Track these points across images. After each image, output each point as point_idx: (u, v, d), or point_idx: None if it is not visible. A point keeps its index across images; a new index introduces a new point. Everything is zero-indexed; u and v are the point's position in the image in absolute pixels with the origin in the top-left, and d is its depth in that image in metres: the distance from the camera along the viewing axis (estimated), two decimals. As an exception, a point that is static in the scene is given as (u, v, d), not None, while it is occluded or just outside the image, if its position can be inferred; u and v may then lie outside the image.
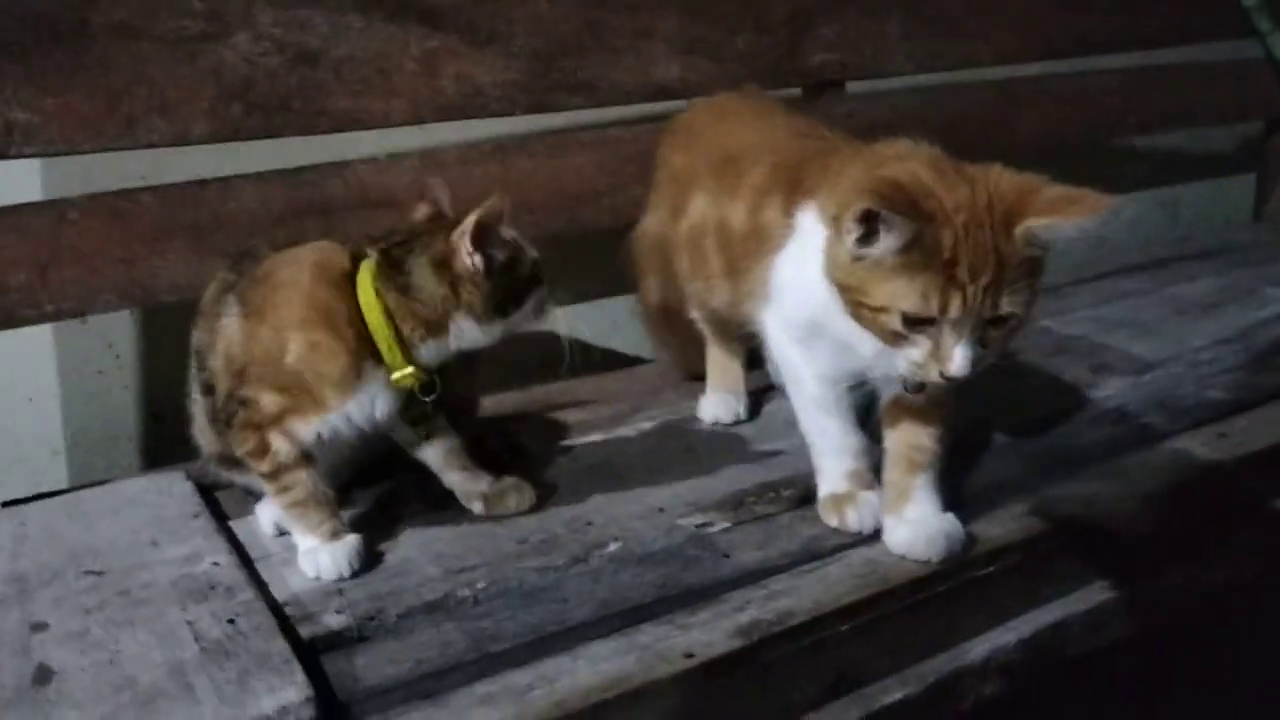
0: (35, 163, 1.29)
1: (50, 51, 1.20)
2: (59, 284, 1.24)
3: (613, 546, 1.09)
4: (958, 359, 0.89)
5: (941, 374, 0.90)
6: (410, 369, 1.07)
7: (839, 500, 1.11)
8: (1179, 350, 1.60)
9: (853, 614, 0.96)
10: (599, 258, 1.47)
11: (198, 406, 1.14)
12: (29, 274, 1.22)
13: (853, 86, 1.79)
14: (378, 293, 1.06)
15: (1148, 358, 1.58)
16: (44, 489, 1.24)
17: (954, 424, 1.31)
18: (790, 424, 1.21)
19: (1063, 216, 0.88)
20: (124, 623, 0.94)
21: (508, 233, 1.08)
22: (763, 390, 1.45)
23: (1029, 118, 1.97)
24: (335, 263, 1.08)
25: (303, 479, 1.05)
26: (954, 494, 1.16)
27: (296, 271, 1.08)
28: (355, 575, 1.04)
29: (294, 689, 0.83)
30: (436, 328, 1.07)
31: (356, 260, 1.09)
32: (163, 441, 1.49)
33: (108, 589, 1.00)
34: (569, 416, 1.47)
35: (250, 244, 1.15)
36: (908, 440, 1.06)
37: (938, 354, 0.90)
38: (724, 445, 1.35)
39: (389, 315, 1.06)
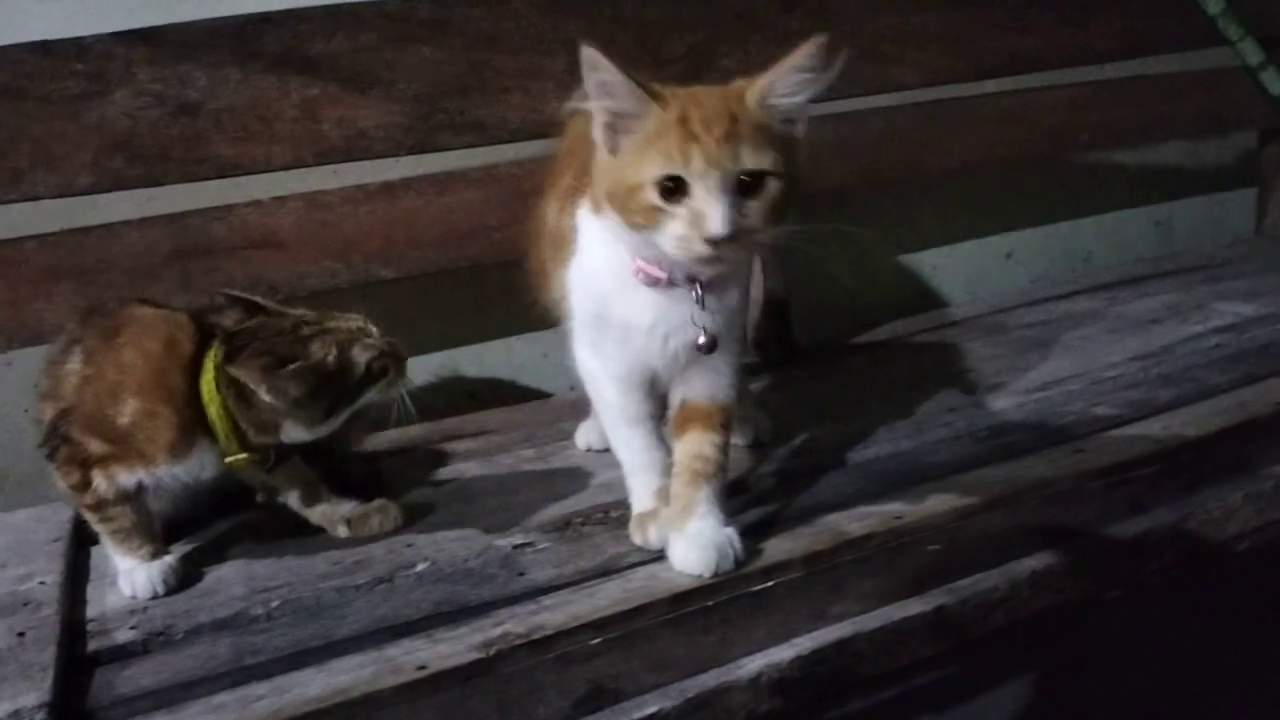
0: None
1: (-63, 112, 1.32)
2: (-51, 327, 1.34)
3: (420, 566, 1.13)
4: (714, 217, 0.91)
5: (704, 239, 0.92)
6: (243, 454, 1.13)
7: (644, 519, 1.12)
8: (1085, 368, 1.56)
9: (603, 628, 0.97)
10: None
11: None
12: (-78, 317, 1.33)
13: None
14: (217, 385, 1.10)
15: (1048, 377, 1.54)
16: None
17: (766, 436, 1.34)
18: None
19: (778, 69, 0.94)
20: (-69, 633, 1.02)
21: (318, 355, 1.10)
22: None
23: (963, 139, 1.94)
24: (183, 343, 1.12)
25: (125, 511, 1.11)
26: (777, 512, 1.17)
27: (146, 340, 1.12)
28: (169, 594, 1.10)
29: (34, 695, 0.89)
30: (268, 427, 1.12)
31: (206, 337, 1.12)
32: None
33: (-60, 604, 1.09)
34: (460, 446, 1.52)
35: (101, 301, 1.23)
36: (691, 450, 1.07)
37: (697, 220, 0.92)
38: (586, 469, 1.38)
39: (225, 408, 1.10)
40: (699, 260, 0.95)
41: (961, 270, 2.24)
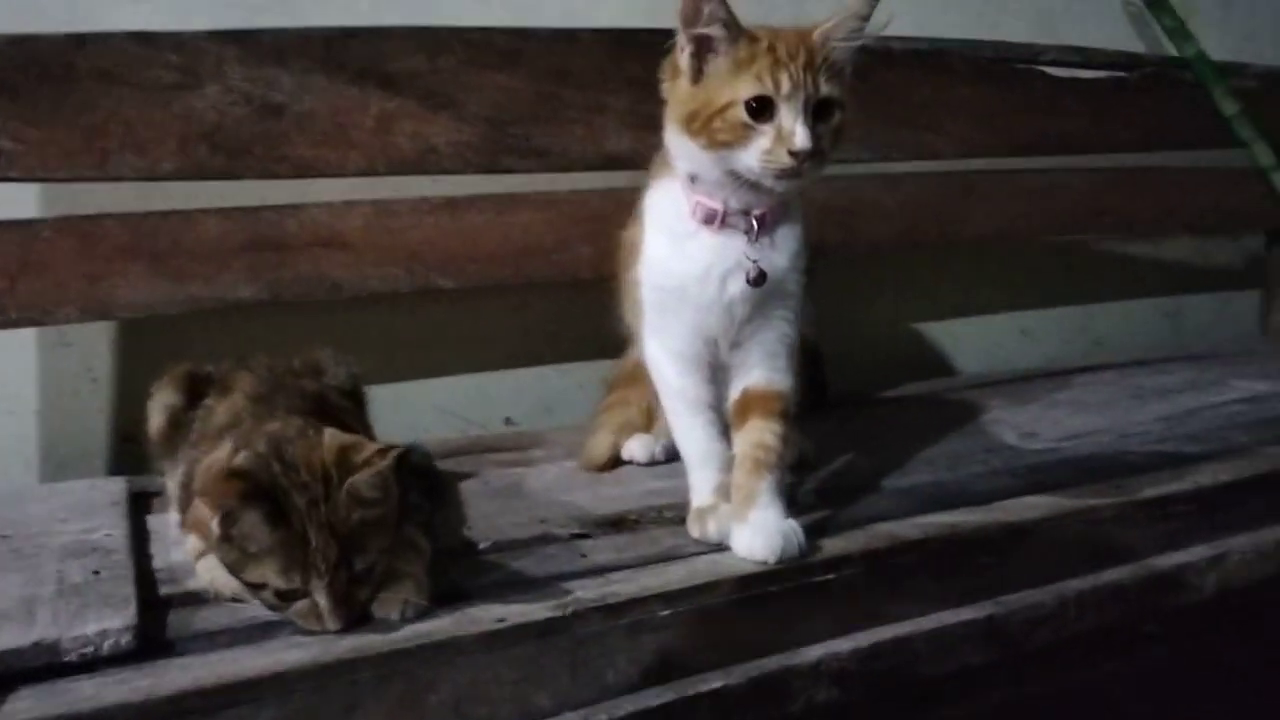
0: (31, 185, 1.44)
1: (38, 90, 1.37)
2: (26, 294, 1.37)
3: (482, 545, 1.15)
4: (799, 133, 1.02)
5: (789, 152, 1.02)
6: None
7: (703, 513, 1.15)
8: (1115, 424, 1.61)
9: (673, 600, 1.00)
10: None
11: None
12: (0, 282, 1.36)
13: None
14: None
15: (1078, 430, 1.59)
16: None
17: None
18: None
19: (838, 16, 1.06)
20: (3, 570, 1.03)
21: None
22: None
23: (985, 210, 2.03)
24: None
25: None
26: (827, 520, 1.20)
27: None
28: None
29: (120, 618, 0.90)
30: None
31: None
32: (131, 461, 1.59)
33: (5, 547, 1.10)
34: (504, 456, 1.55)
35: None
36: (753, 439, 1.11)
37: (781, 136, 1.02)
38: (632, 478, 1.41)
39: None
40: (780, 173, 1.05)
41: (978, 342, 2.31)
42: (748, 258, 1.10)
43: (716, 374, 1.17)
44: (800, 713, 1.02)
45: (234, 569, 0.94)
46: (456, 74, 1.60)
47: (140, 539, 1.15)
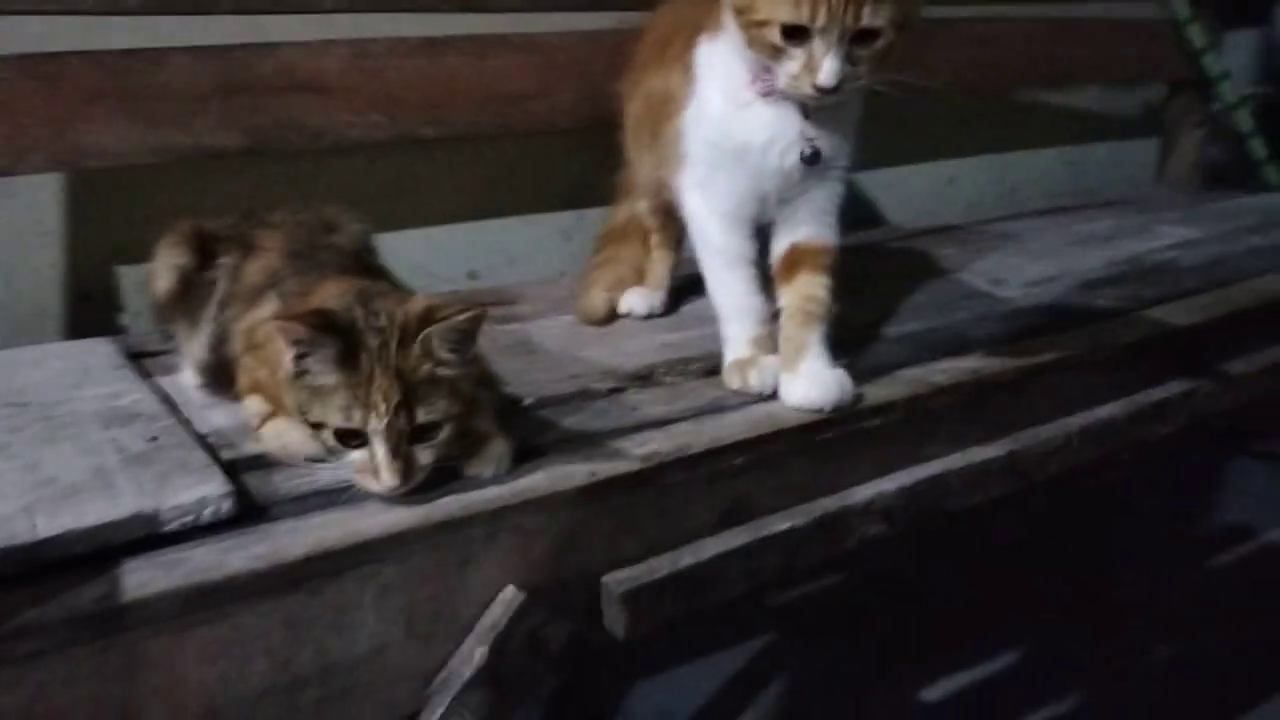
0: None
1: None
2: (-14, 142, 1.26)
3: (526, 402, 1.15)
4: (826, 68, 1.01)
5: (813, 85, 1.02)
6: None
7: (743, 365, 1.17)
8: (1072, 269, 1.71)
9: (744, 449, 1.03)
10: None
11: None
12: (-45, 129, 1.24)
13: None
14: None
15: (1040, 275, 1.67)
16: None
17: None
18: (700, 318, 1.28)
19: None
20: (47, 440, 0.97)
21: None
22: (680, 289, 1.51)
23: (943, 56, 2.06)
24: None
25: None
26: (849, 368, 1.24)
27: None
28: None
29: (214, 484, 0.87)
30: None
31: None
32: (88, 320, 1.50)
33: (30, 416, 1.03)
34: (493, 311, 1.52)
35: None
36: (802, 292, 1.13)
37: (810, 65, 1.01)
38: (638, 331, 1.42)
39: None
40: (805, 98, 1.05)
41: (907, 190, 2.38)
42: (804, 136, 1.09)
43: (757, 230, 1.17)
44: (856, 546, 1.09)
45: (301, 408, 0.92)
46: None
47: (170, 403, 1.11)
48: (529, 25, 1.62)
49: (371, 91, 1.49)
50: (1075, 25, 2.31)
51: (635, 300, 1.47)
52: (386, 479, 0.89)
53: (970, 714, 1.69)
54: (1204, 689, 1.73)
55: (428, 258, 1.79)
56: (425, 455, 0.92)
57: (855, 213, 2.26)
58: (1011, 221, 2.14)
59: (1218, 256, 1.77)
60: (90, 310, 1.52)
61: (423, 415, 0.90)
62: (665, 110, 1.20)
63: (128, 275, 1.52)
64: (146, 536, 0.83)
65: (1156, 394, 1.35)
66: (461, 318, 0.91)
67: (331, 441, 0.91)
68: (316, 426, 0.91)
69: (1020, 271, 1.70)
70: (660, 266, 1.48)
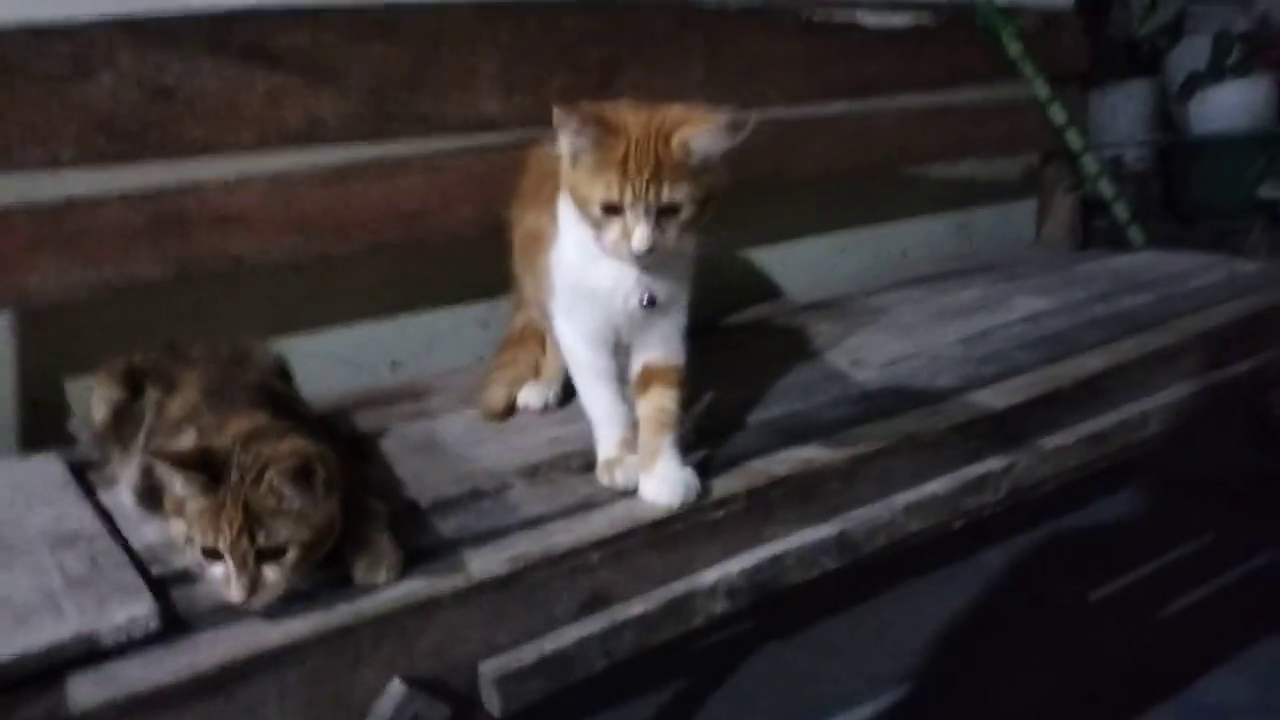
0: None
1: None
2: (-59, 287, 1.42)
3: (423, 504, 1.33)
4: (637, 236, 1.20)
5: (630, 249, 1.21)
6: None
7: (611, 464, 1.36)
8: (925, 347, 1.91)
9: (603, 546, 1.22)
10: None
11: None
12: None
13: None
14: None
15: (895, 355, 1.88)
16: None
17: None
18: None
19: (695, 128, 1.19)
20: (3, 564, 1.14)
21: None
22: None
23: (815, 150, 2.28)
24: None
25: None
26: (705, 460, 1.44)
27: None
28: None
29: (143, 605, 1.05)
30: None
31: None
32: (39, 425, 1.67)
33: (-13, 538, 1.20)
34: (404, 408, 1.71)
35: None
36: (655, 404, 1.33)
37: (625, 233, 1.21)
38: (531, 426, 1.60)
39: None
40: (625, 261, 1.25)
41: (802, 261, 2.59)
42: (640, 284, 1.28)
43: (617, 350, 1.37)
44: (703, 625, 1.28)
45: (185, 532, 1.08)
46: (337, 47, 1.69)
47: (109, 520, 1.28)
48: (429, 148, 1.81)
49: (287, 218, 1.68)
50: (946, 110, 2.54)
51: (531, 395, 1.66)
52: (234, 592, 1.05)
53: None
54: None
55: (352, 351, 1.98)
56: (273, 573, 1.07)
57: (750, 287, 2.48)
58: (892, 291, 2.36)
59: (1057, 331, 1.98)
60: (40, 417, 1.69)
61: (263, 540, 1.06)
62: (538, 246, 1.39)
63: (72, 387, 1.69)
64: (88, 654, 1.01)
65: (977, 469, 1.55)
66: (291, 460, 1.07)
67: (200, 558, 1.08)
68: (189, 540, 1.08)
69: (881, 350, 1.91)
70: (554, 363, 1.67)
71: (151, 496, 1.29)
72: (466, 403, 1.70)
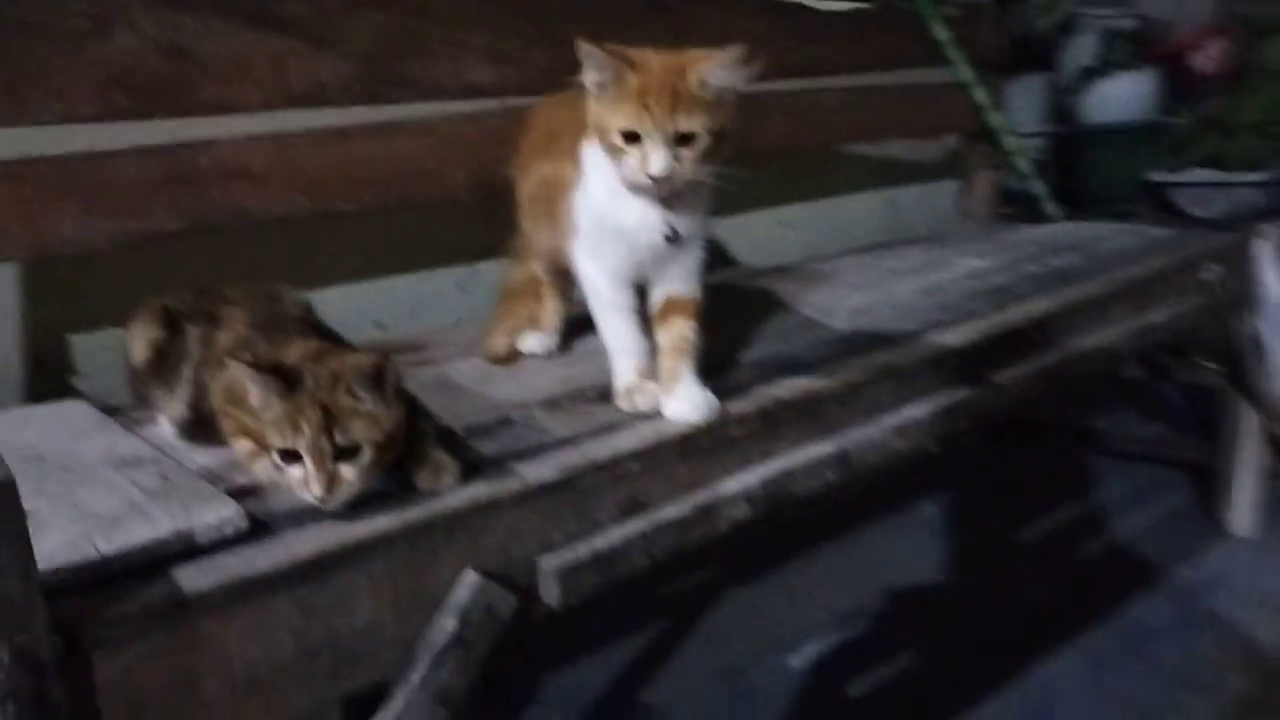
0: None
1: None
2: (-33, 236, 1.45)
3: (459, 431, 1.41)
4: (654, 161, 1.29)
5: (647, 174, 1.30)
6: None
7: (630, 390, 1.47)
8: (887, 299, 2.07)
9: (639, 457, 1.32)
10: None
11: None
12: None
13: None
14: None
15: (862, 305, 2.03)
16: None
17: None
18: (588, 354, 1.56)
19: (708, 61, 1.29)
20: (75, 484, 1.18)
21: None
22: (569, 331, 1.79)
23: (770, 127, 2.42)
24: None
25: None
26: (714, 389, 1.55)
27: None
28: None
29: (229, 508, 1.11)
30: None
31: None
32: (44, 384, 1.69)
33: (50, 466, 1.24)
34: (406, 357, 1.78)
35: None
36: (675, 333, 1.44)
37: (644, 160, 1.30)
38: (539, 368, 1.69)
39: None
40: (644, 187, 1.35)
41: (749, 235, 2.74)
42: (665, 220, 1.39)
43: (638, 285, 1.47)
44: (727, 527, 1.39)
45: (262, 438, 1.15)
46: (336, 14, 1.76)
47: (161, 449, 1.32)
48: (424, 112, 1.89)
49: (292, 176, 1.74)
50: (882, 90, 2.72)
51: (533, 342, 1.75)
52: (313, 488, 1.12)
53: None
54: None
55: (339, 311, 2.03)
56: (349, 472, 1.14)
57: (709, 256, 2.61)
58: (837, 259, 2.52)
59: (1000, 285, 2.16)
60: (46, 374, 1.71)
61: (340, 439, 1.13)
62: (559, 193, 1.49)
63: (77, 342, 1.72)
64: (188, 550, 1.07)
65: (950, 397, 1.70)
66: (365, 362, 1.16)
67: (278, 461, 1.15)
68: (267, 450, 1.15)
69: (845, 301, 2.05)
70: (553, 313, 1.76)
71: (197, 428, 1.34)
72: (466, 353, 1.78)
